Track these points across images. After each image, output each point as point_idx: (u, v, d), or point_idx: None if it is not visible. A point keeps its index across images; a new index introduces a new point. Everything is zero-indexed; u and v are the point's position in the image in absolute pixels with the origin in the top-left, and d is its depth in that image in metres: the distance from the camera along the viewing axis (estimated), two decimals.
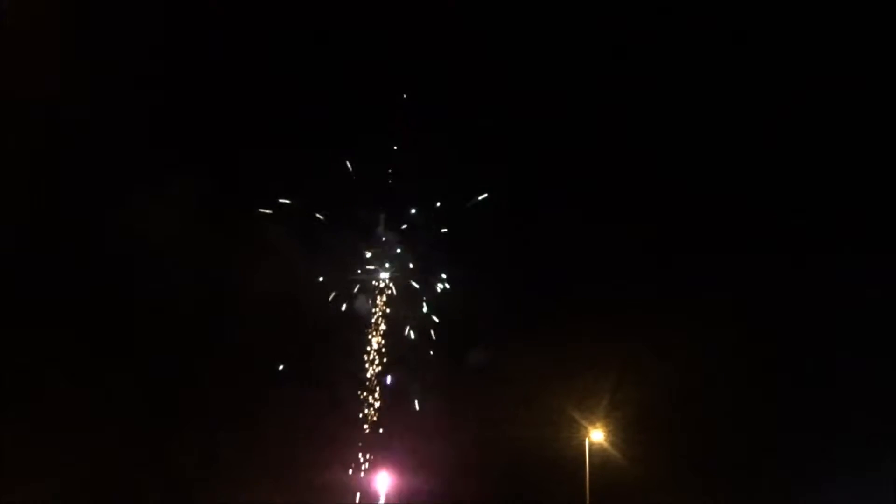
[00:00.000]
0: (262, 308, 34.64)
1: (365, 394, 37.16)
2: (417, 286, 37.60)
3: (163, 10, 34.81)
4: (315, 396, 35.45)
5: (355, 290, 37.64)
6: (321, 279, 36.80)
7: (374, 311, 37.84)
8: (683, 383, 33.34)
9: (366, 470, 36.34)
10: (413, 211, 38.18)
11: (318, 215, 37.22)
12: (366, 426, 36.90)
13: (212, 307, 34.59)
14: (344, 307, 37.31)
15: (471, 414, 34.57)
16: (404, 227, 38.25)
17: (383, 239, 38.14)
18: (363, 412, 37.03)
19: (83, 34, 32.68)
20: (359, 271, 37.86)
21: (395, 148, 37.34)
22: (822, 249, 35.63)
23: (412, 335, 37.21)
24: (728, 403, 34.42)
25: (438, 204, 37.59)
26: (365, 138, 37.23)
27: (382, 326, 37.76)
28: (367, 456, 36.59)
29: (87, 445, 30.96)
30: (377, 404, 36.93)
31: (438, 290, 37.25)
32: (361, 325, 37.65)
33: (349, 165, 37.18)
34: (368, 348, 37.45)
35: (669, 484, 33.75)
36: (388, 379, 37.42)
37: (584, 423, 33.24)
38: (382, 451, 36.39)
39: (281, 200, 36.91)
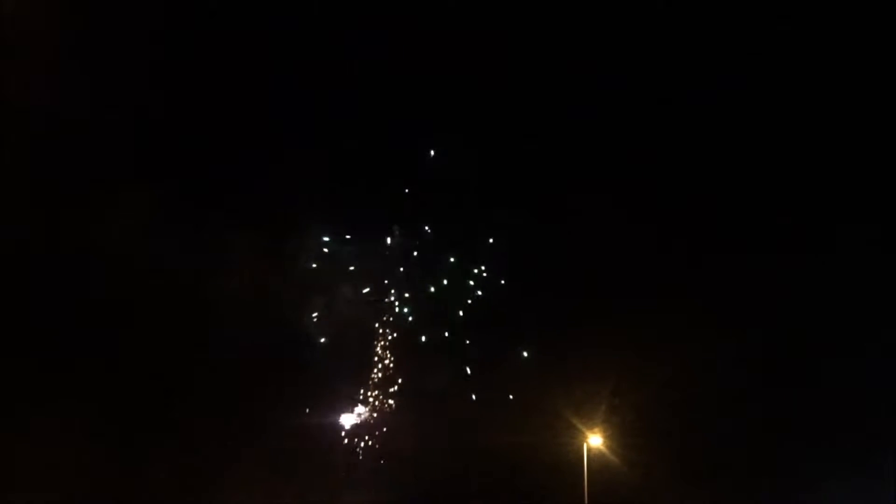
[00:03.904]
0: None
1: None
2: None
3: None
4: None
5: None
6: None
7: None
8: (681, 387, 33.36)
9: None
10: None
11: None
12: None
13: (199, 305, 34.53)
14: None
15: (467, 419, 34.64)
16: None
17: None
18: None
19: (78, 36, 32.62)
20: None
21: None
22: (819, 250, 35.61)
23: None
24: (726, 406, 34.43)
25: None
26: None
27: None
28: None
29: (62, 456, 30.98)
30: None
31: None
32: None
33: None
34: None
35: (668, 488, 33.88)
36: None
37: (582, 428, 33.33)
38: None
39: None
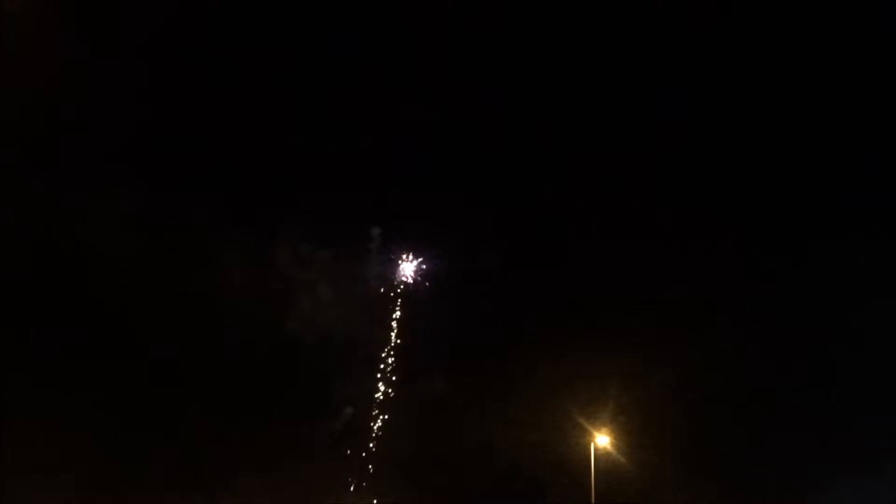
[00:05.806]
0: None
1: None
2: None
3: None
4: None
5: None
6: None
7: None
8: (688, 387, 33.49)
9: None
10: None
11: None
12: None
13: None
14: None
15: (477, 418, 34.49)
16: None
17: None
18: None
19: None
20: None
21: None
22: (820, 248, 35.88)
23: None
24: (731, 406, 34.58)
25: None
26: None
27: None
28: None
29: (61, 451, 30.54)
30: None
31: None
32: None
33: None
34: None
35: (675, 487, 33.86)
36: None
37: (589, 427, 33.25)
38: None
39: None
